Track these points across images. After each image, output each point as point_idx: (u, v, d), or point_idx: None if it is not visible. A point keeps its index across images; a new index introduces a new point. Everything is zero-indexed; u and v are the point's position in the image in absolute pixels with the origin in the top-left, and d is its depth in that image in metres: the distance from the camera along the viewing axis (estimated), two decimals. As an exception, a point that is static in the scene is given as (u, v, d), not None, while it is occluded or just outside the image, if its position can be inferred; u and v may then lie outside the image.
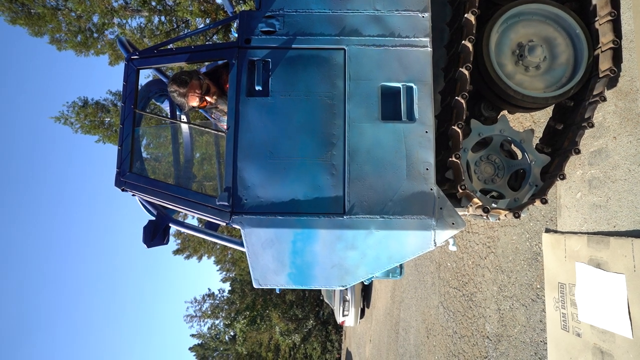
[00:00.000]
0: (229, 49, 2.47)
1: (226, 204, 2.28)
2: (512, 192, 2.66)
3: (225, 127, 2.62)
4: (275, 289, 2.90)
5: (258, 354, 22.74)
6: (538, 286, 3.45)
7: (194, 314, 24.98)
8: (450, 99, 2.60)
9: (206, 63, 3.04)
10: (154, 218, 2.75)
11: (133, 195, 2.60)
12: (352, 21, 2.45)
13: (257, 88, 2.40)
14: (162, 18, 10.79)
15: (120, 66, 11.30)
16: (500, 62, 2.65)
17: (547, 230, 3.38)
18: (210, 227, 3.14)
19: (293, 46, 2.43)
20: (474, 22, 2.51)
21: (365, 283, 7.32)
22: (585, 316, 2.79)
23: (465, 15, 2.52)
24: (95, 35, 10.79)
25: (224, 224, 2.33)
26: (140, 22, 10.96)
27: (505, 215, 2.62)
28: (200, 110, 3.12)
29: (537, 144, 2.86)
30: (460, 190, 2.42)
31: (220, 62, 2.88)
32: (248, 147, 2.34)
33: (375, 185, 2.28)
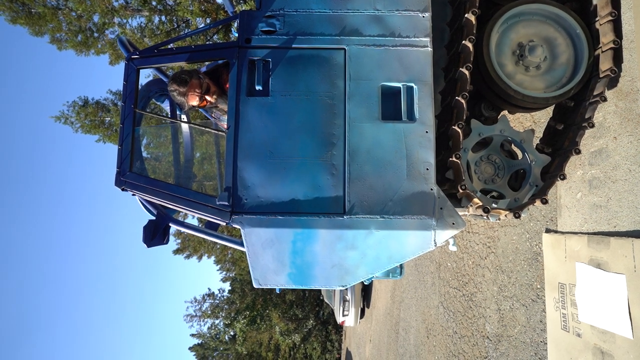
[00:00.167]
0: (229, 48, 2.47)
1: (226, 203, 2.28)
2: (513, 192, 2.65)
3: (225, 126, 2.62)
4: (275, 289, 2.90)
5: (258, 353, 22.74)
6: (538, 286, 3.45)
7: (194, 314, 24.99)
8: (450, 99, 2.60)
9: (206, 63, 3.04)
10: (154, 218, 2.75)
11: (133, 194, 2.60)
12: (352, 21, 2.45)
13: (257, 88, 2.40)
14: (163, 18, 10.80)
15: (121, 66, 11.30)
16: (500, 62, 2.65)
17: (548, 231, 3.38)
18: (210, 227, 3.14)
19: (293, 46, 2.43)
20: (474, 22, 2.51)
21: (365, 283, 7.32)
22: (585, 316, 2.79)
23: (466, 15, 2.52)
24: (96, 34, 10.80)
25: (224, 223, 2.33)
26: (141, 22, 10.96)
27: (506, 216, 2.62)
28: (200, 109, 3.12)
29: (537, 144, 2.86)
30: (461, 190, 2.42)
31: (220, 62, 2.88)
32: (248, 147, 2.34)
33: (376, 185, 2.28)
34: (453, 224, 2.25)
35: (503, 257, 4.09)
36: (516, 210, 2.50)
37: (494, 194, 2.69)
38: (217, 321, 24.87)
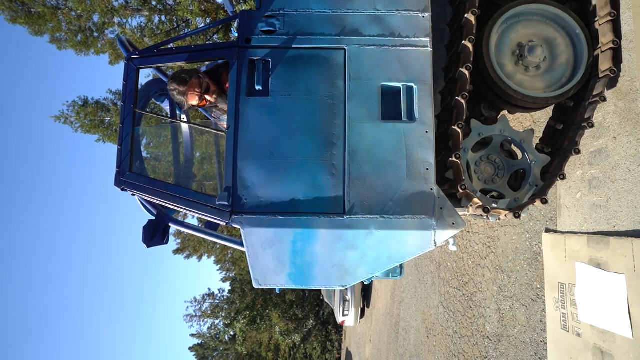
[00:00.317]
0: (229, 48, 2.47)
1: (226, 203, 2.28)
2: (512, 192, 2.66)
3: (225, 126, 2.62)
4: (275, 289, 2.90)
5: (258, 353, 22.74)
6: (538, 286, 3.45)
7: (194, 314, 24.98)
8: (450, 99, 2.60)
9: (206, 62, 3.04)
10: (153, 218, 2.75)
11: (133, 194, 2.60)
12: (352, 21, 2.45)
13: (257, 88, 2.40)
14: (163, 17, 10.80)
15: (121, 65, 11.29)
16: (500, 62, 2.65)
17: (547, 230, 3.38)
18: (210, 227, 3.14)
19: (293, 46, 2.43)
20: (474, 22, 2.51)
21: (365, 283, 7.32)
22: (585, 316, 2.79)
23: (466, 16, 2.52)
24: (96, 34, 10.79)
25: (224, 223, 2.33)
26: (141, 22, 10.96)
27: (506, 216, 2.62)
28: (200, 109, 3.12)
29: (537, 144, 2.86)
30: (461, 190, 2.42)
31: (220, 62, 2.88)
32: (248, 147, 2.34)
33: (376, 185, 2.28)
34: (453, 224, 2.25)
35: (503, 257, 4.09)
36: (516, 210, 2.50)
37: (494, 194, 2.70)
38: (217, 321, 24.88)
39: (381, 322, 10.41)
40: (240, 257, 21.70)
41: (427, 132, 2.32)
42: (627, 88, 2.63)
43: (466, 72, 2.44)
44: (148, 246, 2.67)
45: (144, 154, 3.08)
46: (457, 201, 2.59)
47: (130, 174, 2.54)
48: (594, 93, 2.55)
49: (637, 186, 2.53)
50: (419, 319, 6.78)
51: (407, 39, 2.42)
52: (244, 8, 9.44)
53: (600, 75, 2.54)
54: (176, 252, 20.82)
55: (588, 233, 2.88)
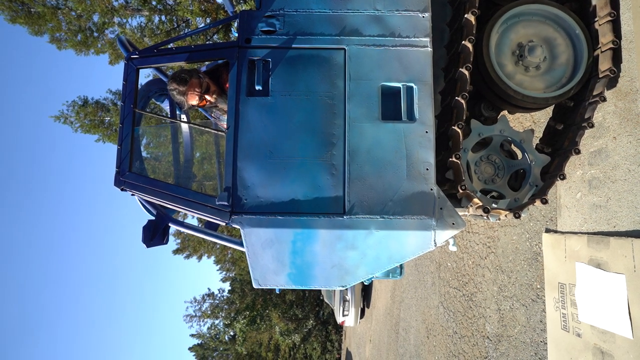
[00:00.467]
0: (229, 48, 2.47)
1: (226, 203, 2.28)
2: (512, 192, 2.66)
3: (225, 126, 2.62)
4: (275, 289, 2.90)
5: (258, 354, 22.74)
6: (538, 286, 3.45)
7: (194, 314, 24.98)
8: (450, 99, 2.60)
9: (206, 62, 3.04)
10: (153, 218, 2.75)
11: (132, 194, 2.60)
12: (352, 21, 2.45)
13: (257, 88, 2.40)
14: (163, 17, 10.80)
15: (120, 65, 11.29)
16: (500, 62, 2.65)
17: (547, 230, 3.38)
18: (210, 227, 3.14)
19: (293, 46, 2.43)
20: (474, 22, 2.51)
21: (365, 283, 7.32)
22: (585, 316, 2.79)
23: (466, 16, 2.52)
24: (96, 34, 10.79)
25: (224, 223, 2.33)
26: (141, 22, 10.97)
27: (506, 216, 2.62)
28: (200, 109, 3.12)
29: (537, 144, 2.86)
30: (461, 191, 2.42)
31: (220, 62, 2.88)
32: (248, 147, 2.34)
33: (376, 185, 2.28)
34: (453, 224, 2.25)
35: (503, 257, 4.09)
36: (516, 210, 2.50)
37: (494, 194, 2.69)
38: (217, 321, 24.89)
39: (381, 322, 10.41)
40: (240, 257, 21.70)
41: (427, 132, 2.32)
42: (627, 88, 2.63)
43: (466, 72, 2.44)
44: (148, 246, 2.67)
45: (144, 154, 3.08)
46: (457, 201, 2.59)
47: (130, 174, 2.54)
48: (594, 93, 2.55)
49: (637, 186, 2.53)
50: (419, 319, 6.78)
51: (407, 39, 2.42)
52: (244, 8, 9.44)
53: (600, 76, 2.54)
54: (176, 252, 20.83)
55: (588, 233, 2.88)
